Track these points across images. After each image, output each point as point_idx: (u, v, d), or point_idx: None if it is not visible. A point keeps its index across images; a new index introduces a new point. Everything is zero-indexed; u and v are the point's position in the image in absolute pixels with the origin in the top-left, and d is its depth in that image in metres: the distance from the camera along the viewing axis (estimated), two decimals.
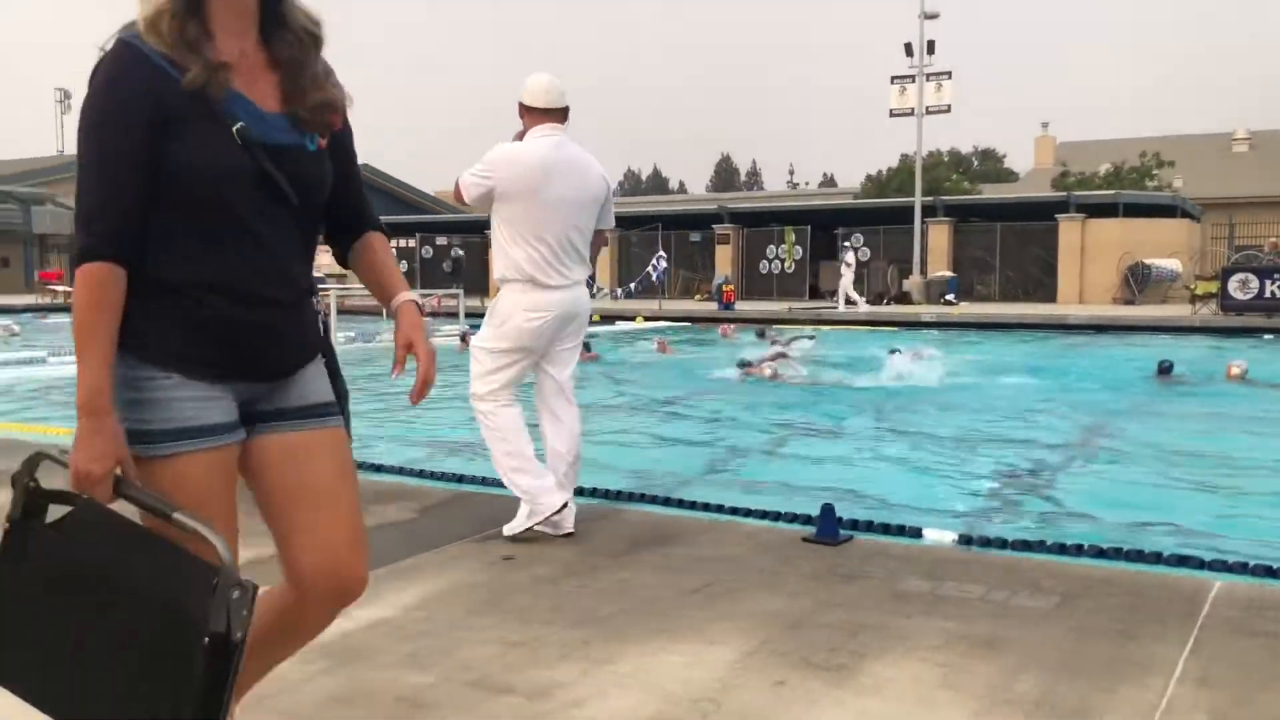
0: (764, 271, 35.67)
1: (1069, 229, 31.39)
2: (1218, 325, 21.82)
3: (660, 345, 17.72)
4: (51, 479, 1.90)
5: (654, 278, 30.62)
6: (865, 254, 34.49)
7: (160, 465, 1.89)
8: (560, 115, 4.56)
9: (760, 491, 6.71)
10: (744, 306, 28.75)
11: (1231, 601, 3.65)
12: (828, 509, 4.47)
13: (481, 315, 5.07)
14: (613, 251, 37.71)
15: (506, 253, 4.48)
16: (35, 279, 41.12)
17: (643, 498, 5.60)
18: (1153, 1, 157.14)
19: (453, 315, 22.30)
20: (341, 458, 2.10)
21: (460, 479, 5.99)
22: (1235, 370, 13.04)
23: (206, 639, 1.63)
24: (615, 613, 3.54)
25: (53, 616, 1.81)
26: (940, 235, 33.38)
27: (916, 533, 4.88)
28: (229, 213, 1.89)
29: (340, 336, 18.42)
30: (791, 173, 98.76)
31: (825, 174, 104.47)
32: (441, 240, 40.28)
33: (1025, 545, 4.70)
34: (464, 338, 16.28)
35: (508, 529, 4.47)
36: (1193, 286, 26.10)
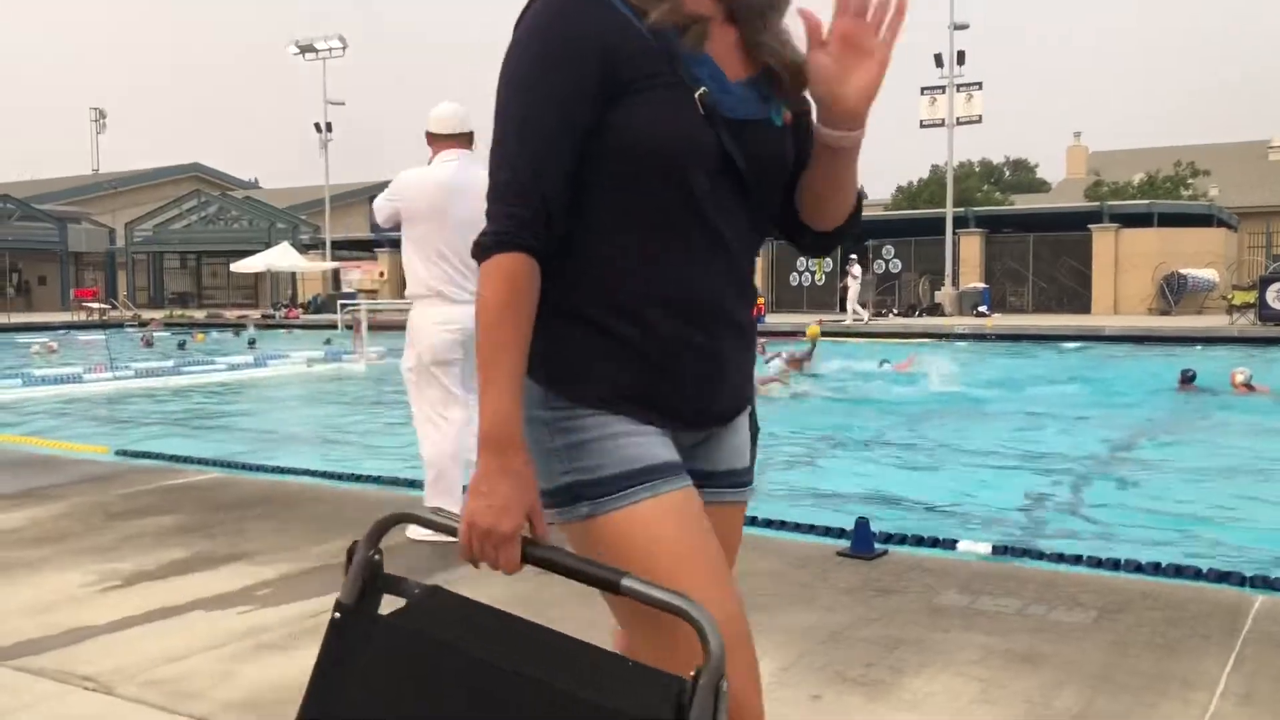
0: (794, 284, 35.60)
1: (1103, 239, 31.16)
2: (1256, 335, 21.56)
3: None
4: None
5: None
6: (897, 266, 34.37)
7: (605, 523, 1.43)
8: (464, 140, 4.90)
9: (790, 505, 6.69)
10: (774, 320, 28.71)
11: (1274, 617, 3.60)
12: (862, 522, 4.46)
13: None
14: None
15: (415, 270, 4.78)
16: (71, 297, 41.68)
17: None
18: (1186, 9, 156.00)
19: None
20: (739, 533, 1.69)
21: None
22: (1239, 379, 12.92)
23: None
24: None
25: None
26: (972, 246, 33.21)
27: (951, 545, 4.85)
28: (685, 202, 1.45)
29: (373, 351, 18.53)
30: None
31: None
32: None
33: (1062, 558, 4.66)
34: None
35: (419, 534, 4.55)
36: (1230, 296, 25.83)
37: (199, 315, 38.37)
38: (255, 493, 5.90)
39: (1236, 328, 22.85)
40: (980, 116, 33.33)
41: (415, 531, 4.49)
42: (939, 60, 33.19)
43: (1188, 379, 13.21)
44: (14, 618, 3.66)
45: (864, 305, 29.98)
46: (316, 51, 42.94)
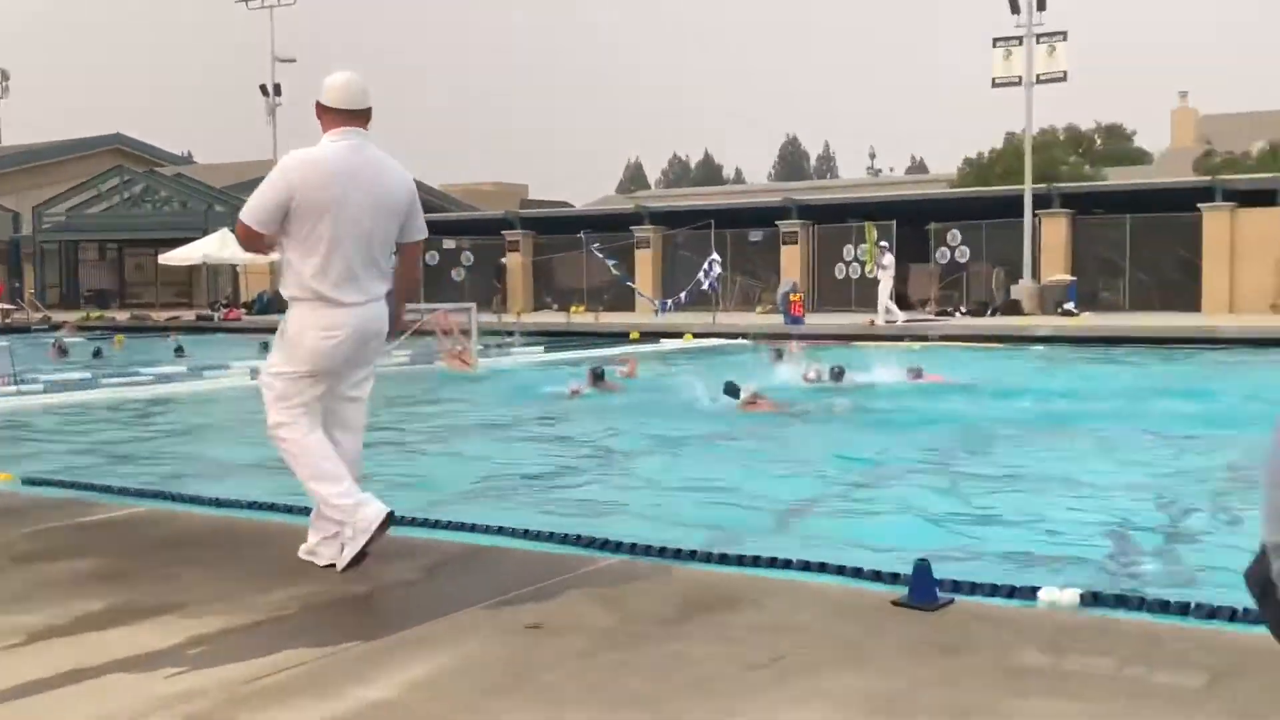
0: (840, 277, 35.64)
1: (1215, 221, 31.12)
2: None
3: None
4: None
5: (705, 286, 30.66)
6: (964, 255, 34.35)
7: None
8: (361, 117, 4.91)
9: (833, 545, 6.67)
10: (815, 320, 28.69)
11: None
12: (922, 566, 4.45)
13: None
14: (655, 256, 37.82)
15: (295, 268, 4.83)
16: None
17: (694, 555, 5.58)
18: None
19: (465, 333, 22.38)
20: None
21: (474, 528, 6.02)
22: None
23: None
24: (665, 694, 3.52)
25: None
26: (1056, 231, 33.20)
27: (1031, 593, 4.83)
28: None
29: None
30: (873, 157, 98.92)
31: (914, 158, 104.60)
32: (450, 243, 40.61)
33: (1167, 608, 4.64)
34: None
35: (337, 562, 4.82)
36: None
37: (121, 317, 38.55)
38: (188, 530, 5.91)
39: None
40: (1065, 73, 33.28)
41: (340, 561, 4.81)
42: (1014, 5, 33.19)
43: None
44: None
45: (924, 303, 29.97)
46: None
